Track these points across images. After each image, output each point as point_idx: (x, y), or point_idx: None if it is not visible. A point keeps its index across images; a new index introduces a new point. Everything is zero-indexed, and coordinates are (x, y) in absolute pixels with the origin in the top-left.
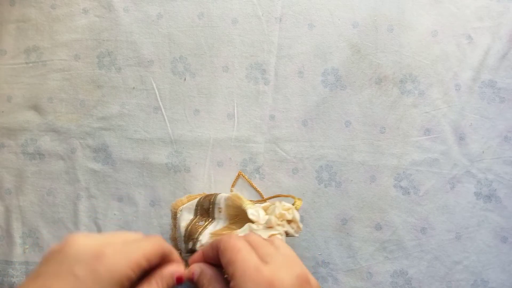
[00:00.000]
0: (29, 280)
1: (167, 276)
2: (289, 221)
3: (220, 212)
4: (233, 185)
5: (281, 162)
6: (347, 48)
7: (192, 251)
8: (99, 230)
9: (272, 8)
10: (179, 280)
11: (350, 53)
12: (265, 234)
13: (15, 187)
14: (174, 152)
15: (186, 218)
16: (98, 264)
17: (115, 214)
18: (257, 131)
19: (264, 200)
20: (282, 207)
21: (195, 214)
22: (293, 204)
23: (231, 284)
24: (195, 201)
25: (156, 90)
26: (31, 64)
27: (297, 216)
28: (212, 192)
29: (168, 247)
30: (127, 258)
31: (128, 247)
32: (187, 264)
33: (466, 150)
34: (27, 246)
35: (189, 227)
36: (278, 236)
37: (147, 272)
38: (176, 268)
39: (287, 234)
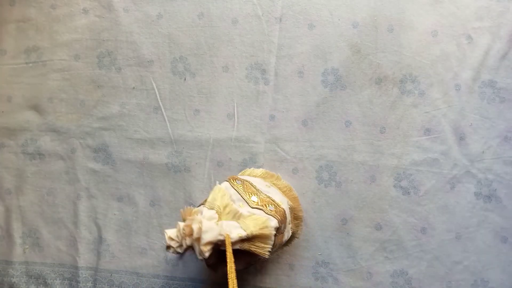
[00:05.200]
0: None
1: None
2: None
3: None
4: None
5: (281, 162)
6: (347, 48)
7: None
8: (99, 230)
9: (272, 8)
10: None
11: (350, 53)
12: None
13: (15, 187)
14: (174, 152)
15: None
16: None
17: (115, 214)
18: (257, 131)
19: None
20: None
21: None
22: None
23: None
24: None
25: (156, 90)
26: (31, 64)
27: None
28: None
29: None
30: None
31: None
32: None
33: (466, 150)
34: (27, 246)
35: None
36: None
37: None
38: None
39: None
